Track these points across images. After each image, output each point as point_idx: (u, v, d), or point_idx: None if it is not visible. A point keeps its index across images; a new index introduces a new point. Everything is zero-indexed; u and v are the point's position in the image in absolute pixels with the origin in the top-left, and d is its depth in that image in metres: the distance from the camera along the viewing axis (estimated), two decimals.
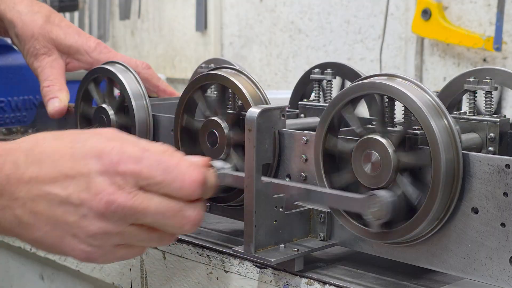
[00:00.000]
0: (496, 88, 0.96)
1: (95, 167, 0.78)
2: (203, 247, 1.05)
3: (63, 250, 0.80)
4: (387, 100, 0.88)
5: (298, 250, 0.93)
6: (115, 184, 0.77)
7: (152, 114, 1.18)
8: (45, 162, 0.79)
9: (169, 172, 0.79)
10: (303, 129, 0.99)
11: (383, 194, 0.85)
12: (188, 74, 3.44)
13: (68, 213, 0.78)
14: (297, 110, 1.15)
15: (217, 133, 1.03)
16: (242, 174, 0.92)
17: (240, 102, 1.03)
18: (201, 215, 0.82)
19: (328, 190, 0.89)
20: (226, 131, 1.02)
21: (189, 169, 0.80)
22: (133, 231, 0.80)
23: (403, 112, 0.90)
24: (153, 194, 0.79)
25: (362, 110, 1.01)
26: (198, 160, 0.84)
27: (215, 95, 1.15)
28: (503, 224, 0.81)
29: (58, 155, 0.79)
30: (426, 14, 2.60)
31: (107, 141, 0.80)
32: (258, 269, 0.97)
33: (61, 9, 2.33)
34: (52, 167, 0.79)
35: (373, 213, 0.84)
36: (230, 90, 1.03)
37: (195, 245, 1.06)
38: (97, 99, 1.25)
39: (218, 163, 0.98)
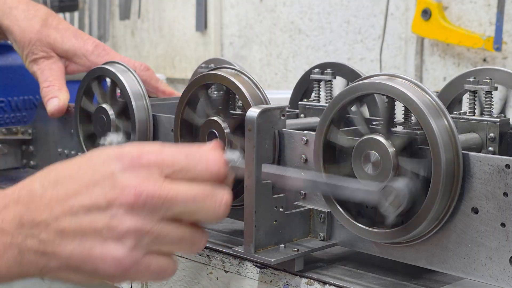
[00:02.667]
0: (496, 88, 0.96)
1: (117, 167, 0.75)
2: None
3: (93, 264, 0.75)
4: (387, 100, 0.88)
5: (298, 250, 0.92)
6: (141, 177, 0.74)
7: (152, 114, 1.18)
8: (63, 181, 0.76)
9: (192, 156, 0.78)
10: (303, 129, 0.99)
11: (398, 182, 0.81)
12: (188, 74, 3.44)
13: (96, 219, 0.74)
14: (297, 110, 1.15)
15: (217, 134, 1.03)
16: None
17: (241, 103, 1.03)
18: (230, 197, 0.79)
19: (342, 182, 0.84)
20: (226, 131, 1.02)
21: (210, 151, 0.79)
22: (164, 229, 0.76)
23: (403, 112, 0.90)
24: (180, 181, 0.76)
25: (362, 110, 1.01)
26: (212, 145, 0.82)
27: (215, 95, 1.15)
28: (503, 224, 0.81)
29: (75, 170, 0.76)
30: (426, 14, 2.59)
31: (122, 148, 0.78)
32: (258, 269, 0.97)
33: (61, 9, 2.32)
34: (72, 182, 0.75)
35: (391, 203, 0.80)
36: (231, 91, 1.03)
37: None
38: (98, 98, 1.25)
39: (230, 154, 0.96)
